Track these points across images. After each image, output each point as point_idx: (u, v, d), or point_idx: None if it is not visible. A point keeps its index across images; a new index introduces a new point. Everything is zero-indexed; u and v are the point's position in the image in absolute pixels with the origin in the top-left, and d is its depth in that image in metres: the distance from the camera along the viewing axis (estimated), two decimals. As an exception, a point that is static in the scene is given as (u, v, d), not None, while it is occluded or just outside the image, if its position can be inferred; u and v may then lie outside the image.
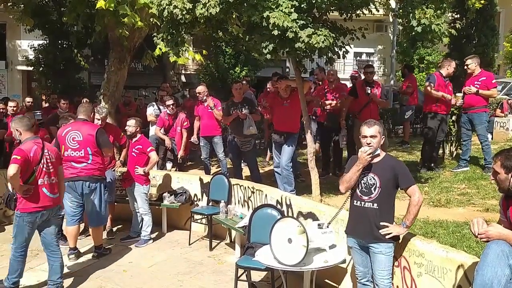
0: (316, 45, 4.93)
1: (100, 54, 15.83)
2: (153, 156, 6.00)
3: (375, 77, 7.78)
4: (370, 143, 3.51)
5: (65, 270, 5.17)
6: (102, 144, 5.40)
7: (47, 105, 11.23)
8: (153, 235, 6.22)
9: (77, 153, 5.31)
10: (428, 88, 7.23)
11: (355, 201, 3.62)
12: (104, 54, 14.12)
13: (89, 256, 5.60)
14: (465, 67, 7.21)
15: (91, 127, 5.47)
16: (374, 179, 3.51)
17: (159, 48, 6.10)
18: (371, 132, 3.53)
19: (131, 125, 6.04)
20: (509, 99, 12.40)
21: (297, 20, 4.92)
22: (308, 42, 4.90)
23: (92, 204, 5.40)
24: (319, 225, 3.75)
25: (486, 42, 10.87)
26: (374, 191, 3.50)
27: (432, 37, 5.47)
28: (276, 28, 4.85)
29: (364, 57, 24.76)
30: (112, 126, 6.47)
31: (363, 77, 8.17)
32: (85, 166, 5.32)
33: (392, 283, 3.53)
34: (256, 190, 5.65)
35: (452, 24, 6.71)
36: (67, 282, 4.88)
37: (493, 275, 2.49)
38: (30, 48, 16.19)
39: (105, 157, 5.69)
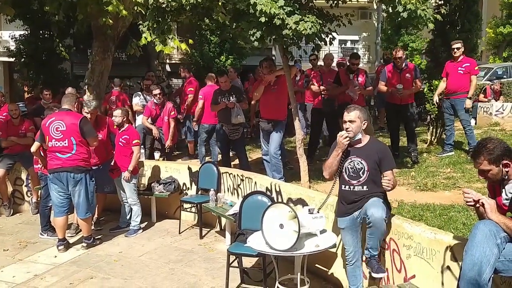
0: (303, 32, 4.93)
1: (82, 44, 15.58)
2: (136, 151, 5.95)
3: (360, 65, 7.81)
4: (348, 128, 3.60)
5: (55, 261, 5.17)
6: (86, 133, 5.31)
7: (30, 95, 11.08)
8: (143, 225, 6.21)
9: (61, 143, 5.24)
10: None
11: (343, 186, 3.71)
12: (87, 44, 13.90)
13: (79, 246, 5.57)
14: (455, 50, 7.20)
15: (75, 116, 5.38)
16: (361, 163, 3.60)
17: (145, 37, 6.03)
18: (349, 117, 3.62)
19: (118, 115, 5.98)
20: (492, 85, 12.59)
21: (284, 7, 4.91)
22: (296, 29, 4.90)
23: (78, 195, 5.34)
24: (309, 210, 3.79)
25: (469, 28, 10.89)
26: (363, 175, 3.59)
27: (418, 23, 5.50)
28: (263, 15, 4.83)
29: (349, 44, 24.80)
30: (104, 118, 6.38)
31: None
32: (69, 156, 5.25)
33: (381, 250, 3.62)
34: (246, 178, 5.66)
35: (437, 10, 6.75)
36: (57, 272, 4.86)
37: (482, 254, 2.55)
38: (11, 38, 15.82)
39: (92, 147, 5.59)
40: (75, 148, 5.26)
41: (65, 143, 5.24)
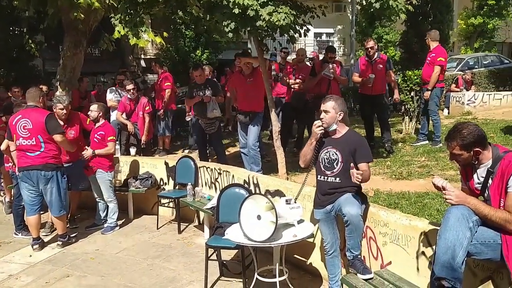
0: (277, 23, 4.93)
1: (54, 40, 15.22)
2: (110, 146, 5.87)
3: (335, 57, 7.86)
4: (322, 118, 3.62)
5: (30, 260, 5.07)
6: (50, 130, 5.13)
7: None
8: (120, 222, 6.12)
9: (28, 142, 5.09)
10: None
11: (319, 176, 3.73)
12: (58, 40, 13.59)
13: (54, 245, 5.47)
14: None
15: (41, 113, 5.19)
16: (336, 154, 3.61)
17: (118, 31, 5.92)
18: (324, 107, 3.63)
19: (94, 109, 5.88)
20: (463, 75, 12.85)
21: (258, -2, 4.89)
22: (269, 20, 4.89)
23: (50, 193, 5.21)
24: (287, 200, 3.80)
25: (441, 19, 11.12)
26: (337, 166, 3.60)
27: (390, 14, 5.56)
28: (236, 6, 4.81)
29: (324, 37, 24.97)
30: (76, 114, 6.25)
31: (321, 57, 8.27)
32: (38, 154, 5.11)
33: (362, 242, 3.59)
34: (223, 171, 5.64)
35: (408, 1, 6.84)
36: (32, 272, 4.77)
37: (455, 238, 2.58)
38: (-20, 35, 15.40)
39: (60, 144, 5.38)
40: (43, 146, 5.11)
41: (32, 142, 5.09)
